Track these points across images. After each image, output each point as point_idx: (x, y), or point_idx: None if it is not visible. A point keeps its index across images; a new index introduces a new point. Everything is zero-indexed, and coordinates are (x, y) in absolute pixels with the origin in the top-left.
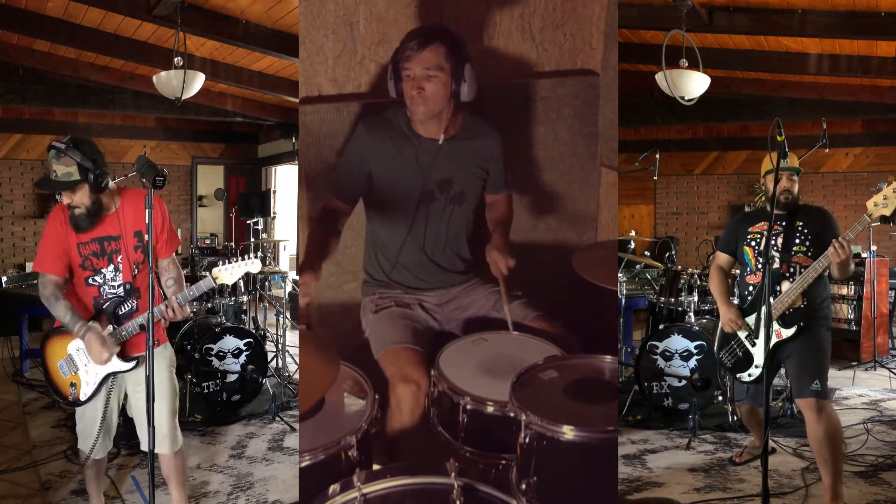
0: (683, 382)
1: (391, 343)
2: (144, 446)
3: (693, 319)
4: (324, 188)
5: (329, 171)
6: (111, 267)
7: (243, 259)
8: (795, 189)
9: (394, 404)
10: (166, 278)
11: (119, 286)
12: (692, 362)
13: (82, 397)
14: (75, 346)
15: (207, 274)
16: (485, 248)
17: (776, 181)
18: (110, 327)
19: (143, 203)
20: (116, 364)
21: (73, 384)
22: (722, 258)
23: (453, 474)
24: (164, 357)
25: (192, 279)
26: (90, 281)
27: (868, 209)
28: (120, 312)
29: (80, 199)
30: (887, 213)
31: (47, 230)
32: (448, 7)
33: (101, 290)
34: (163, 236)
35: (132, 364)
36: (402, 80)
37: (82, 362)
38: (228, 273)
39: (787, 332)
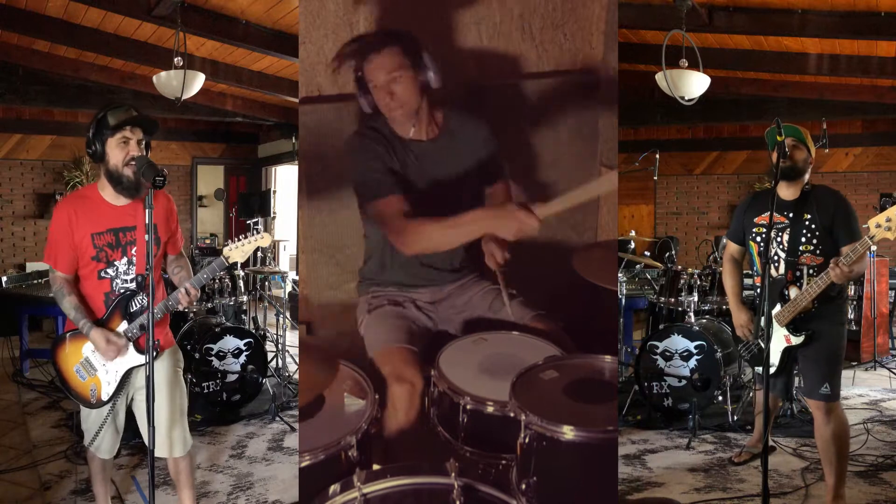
0: (683, 382)
1: (384, 343)
2: (154, 449)
3: (693, 319)
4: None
5: (327, 169)
6: (125, 260)
7: (252, 235)
8: (801, 158)
9: (389, 404)
10: (174, 267)
11: (132, 280)
12: (692, 362)
13: (104, 397)
14: (90, 348)
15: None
16: (477, 246)
17: (775, 183)
18: (124, 323)
19: (159, 197)
20: (135, 358)
21: (93, 387)
22: (732, 247)
23: (453, 474)
24: (171, 359)
25: None
26: (102, 274)
27: (870, 230)
28: (132, 309)
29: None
30: (890, 236)
31: (54, 225)
32: (448, 7)
33: (113, 283)
34: (176, 232)
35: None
36: (369, 94)
37: (100, 362)
38: (240, 250)
39: (797, 340)
